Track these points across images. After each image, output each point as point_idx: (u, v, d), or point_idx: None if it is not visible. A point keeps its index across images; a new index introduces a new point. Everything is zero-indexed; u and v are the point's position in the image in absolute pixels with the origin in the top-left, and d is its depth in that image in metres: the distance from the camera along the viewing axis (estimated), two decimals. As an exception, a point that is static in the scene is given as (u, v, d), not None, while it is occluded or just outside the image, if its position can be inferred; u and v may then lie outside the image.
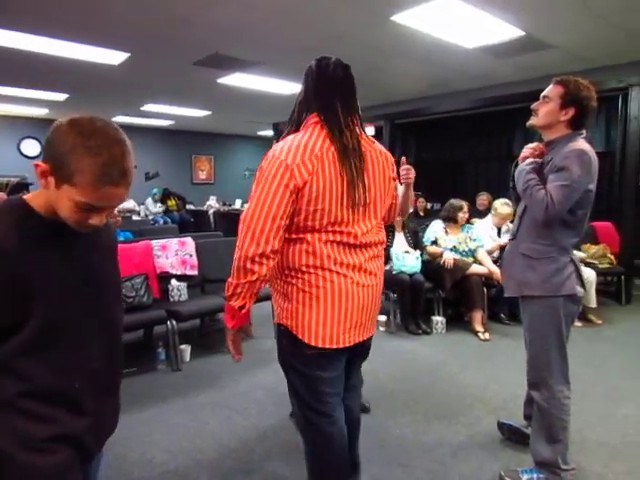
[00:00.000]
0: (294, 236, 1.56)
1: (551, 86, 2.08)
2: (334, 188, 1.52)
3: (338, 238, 1.56)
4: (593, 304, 4.76)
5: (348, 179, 1.53)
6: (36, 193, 1.07)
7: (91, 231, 1.08)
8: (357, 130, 1.63)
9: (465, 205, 4.76)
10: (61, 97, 8.02)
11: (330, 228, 1.55)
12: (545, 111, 2.06)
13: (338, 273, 1.57)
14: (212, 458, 2.43)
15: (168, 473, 2.31)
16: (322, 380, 1.67)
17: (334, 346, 1.60)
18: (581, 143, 1.98)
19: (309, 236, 1.55)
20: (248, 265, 1.47)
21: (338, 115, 1.58)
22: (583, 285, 2.11)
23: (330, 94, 1.60)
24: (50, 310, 1.03)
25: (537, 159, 2.11)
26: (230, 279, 1.53)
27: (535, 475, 2.16)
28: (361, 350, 1.80)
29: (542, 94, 2.09)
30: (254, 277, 1.48)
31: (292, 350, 1.67)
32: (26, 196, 1.06)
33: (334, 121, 1.57)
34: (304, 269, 1.57)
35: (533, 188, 2.00)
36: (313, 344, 1.59)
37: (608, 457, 2.45)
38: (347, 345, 1.64)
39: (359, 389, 2.07)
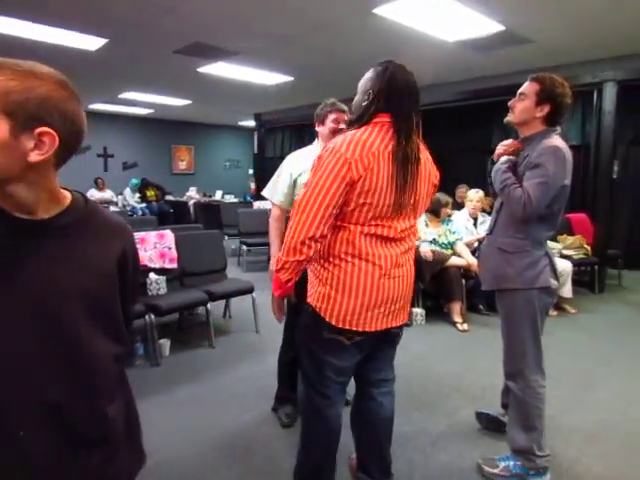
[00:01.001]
0: (338, 224, 1.67)
1: (527, 83, 2.11)
2: (385, 186, 1.61)
3: (378, 231, 1.67)
4: (569, 294, 4.86)
5: (401, 183, 1.64)
6: None
7: (72, 232, 0.93)
8: (418, 136, 1.72)
9: (450, 202, 4.83)
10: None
11: (373, 222, 1.65)
12: (521, 108, 2.09)
13: (374, 264, 1.67)
14: (193, 453, 2.43)
15: (145, 470, 2.27)
16: (331, 366, 1.78)
17: (360, 329, 1.70)
18: (555, 139, 2.02)
19: (352, 227, 1.66)
20: (298, 246, 1.59)
21: (410, 121, 1.67)
22: (557, 277, 2.16)
23: (404, 99, 1.67)
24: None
25: (511, 157, 2.14)
26: (280, 255, 1.66)
27: (511, 462, 2.21)
28: (387, 336, 1.83)
29: (518, 91, 2.12)
30: (302, 257, 1.61)
31: (313, 331, 1.77)
32: None
33: (405, 127, 1.65)
34: (342, 256, 1.68)
35: (510, 187, 2.04)
36: (340, 325, 1.69)
37: (582, 442, 2.52)
38: (374, 329, 1.72)
39: (391, 385, 2.01)
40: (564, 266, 4.66)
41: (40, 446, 0.85)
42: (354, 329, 1.70)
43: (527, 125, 2.10)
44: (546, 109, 2.04)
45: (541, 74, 2.09)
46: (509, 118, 2.15)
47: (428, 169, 1.78)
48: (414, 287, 1.88)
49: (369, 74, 1.74)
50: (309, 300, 1.77)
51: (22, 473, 0.85)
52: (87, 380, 0.94)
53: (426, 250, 4.53)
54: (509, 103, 2.15)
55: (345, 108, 2.50)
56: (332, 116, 2.49)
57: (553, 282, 2.13)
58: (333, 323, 1.70)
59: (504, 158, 2.16)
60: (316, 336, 1.76)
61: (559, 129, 2.11)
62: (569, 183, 2.05)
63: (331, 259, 1.70)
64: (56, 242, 0.91)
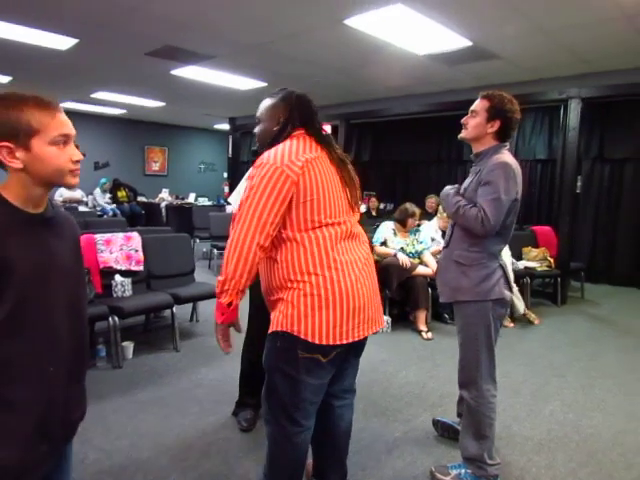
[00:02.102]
0: (298, 239, 1.63)
1: (478, 100, 2.18)
2: (326, 183, 1.65)
3: (337, 230, 1.67)
4: (535, 320, 5.09)
5: (346, 182, 1.74)
6: (3, 185, 1.11)
7: (55, 222, 1.20)
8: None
9: (418, 213, 4.88)
10: (4, 79, 7.68)
11: (330, 220, 1.65)
12: (473, 124, 2.16)
13: (343, 272, 1.65)
14: (147, 456, 2.41)
15: (101, 473, 2.27)
16: (309, 387, 1.71)
17: (344, 341, 1.66)
18: (505, 155, 2.09)
19: (306, 238, 1.63)
20: (238, 264, 1.56)
21: (321, 132, 1.80)
22: (510, 289, 2.22)
23: (314, 117, 1.80)
24: (23, 293, 1.07)
25: (456, 185, 2.28)
26: (220, 277, 1.60)
27: (462, 470, 2.26)
28: (358, 346, 1.83)
29: (470, 108, 2.20)
30: (243, 276, 1.57)
31: (286, 354, 1.69)
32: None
33: (322, 136, 1.78)
34: (311, 270, 1.63)
35: (464, 208, 2.10)
36: (318, 342, 1.62)
37: (532, 451, 2.58)
38: (355, 339, 1.69)
39: (352, 397, 2.01)
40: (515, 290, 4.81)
41: (60, 379, 1.17)
42: (338, 343, 1.64)
43: (479, 141, 2.17)
44: (496, 125, 2.11)
45: (491, 91, 2.16)
46: (462, 134, 2.23)
47: (353, 172, 1.86)
48: (381, 292, 1.91)
49: (270, 102, 1.83)
50: (277, 328, 1.67)
51: (49, 398, 1.15)
52: (84, 334, 1.28)
53: (404, 259, 4.60)
54: (462, 120, 2.22)
55: None
56: None
57: (507, 294, 2.20)
58: (310, 341, 1.62)
59: (449, 186, 2.29)
60: (291, 358, 1.68)
61: (508, 144, 2.19)
62: (519, 197, 2.12)
63: (299, 277, 1.64)
64: (49, 230, 1.17)
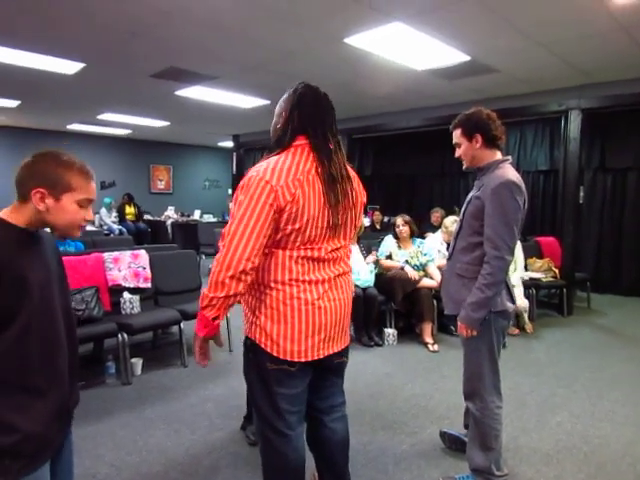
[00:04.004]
0: (266, 250, 1.61)
1: (453, 134, 2.28)
2: (312, 210, 1.59)
3: (308, 254, 1.64)
4: (529, 329, 5.11)
5: (332, 203, 1.62)
6: (9, 211, 1.28)
7: (44, 240, 1.36)
8: (342, 157, 1.72)
9: (399, 220, 4.93)
10: (13, 104, 7.83)
11: (302, 246, 1.63)
12: (463, 153, 2.25)
13: (305, 290, 1.64)
14: (157, 471, 2.44)
15: (111, 488, 2.31)
16: (284, 397, 1.71)
17: (302, 359, 1.66)
18: (507, 170, 2.13)
19: (280, 252, 1.62)
20: (227, 281, 1.51)
21: (326, 141, 1.67)
22: (513, 300, 2.25)
23: (315, 117, 1.67)
24: (35, 305, 1.25)
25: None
26: (206, 291, 1.56)
27: (470, 481, 2.27)
28: (330, 365, 1.81)
29: (453, 143, 2.29)
30: (231, 292, 1.53)
31: (257, 365, 1.71)
32: (7, 210, 1.28)
33: (323, 147, 1.65)
34: (272, 285, 1.63)
35: (482, 286, 2.08)
36: (282, 357, 1.64)
37: (540, 463, 2.58)
38: (315, 358, 1.69)
39: (342, 409, 1.96)
40: (521, 302, 4.81)
41: (65, 373, 1.36)
42: (296, 359, 1.65)
43: (477, 160, 2.23)
44: (479, 138, 2.18)
45: (456, 118, 2.28)
46: (465, 166, 2.31)
47: (355, 186, 1.76)
48: (352, 313, 1.85)
49: (283, 97, 1.75)
50: (246, 333, 1.72)
51: (61, 387, 1.35)
52: (75, 336, 1.45)
53: (412, 272, 4.64)
54: (456, 156, 2.32)
55: None
56: None
57: (509, 305, 2.22)
58: (274, 354, 1.64)
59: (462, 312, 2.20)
60: (262, 369, 1.69)
61: (510, 158, 2.24)
62: (524, 208, 2.15)
63: (262, 288, 1.65)
64: (42, 246, 1.35)
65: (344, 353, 1.85)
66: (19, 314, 1.22)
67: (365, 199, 1.86)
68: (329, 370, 1.84)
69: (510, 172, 2.12)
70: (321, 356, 1.70)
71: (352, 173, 1.79)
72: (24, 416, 1.23)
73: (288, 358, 1.65)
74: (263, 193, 1.53)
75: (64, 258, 1.52)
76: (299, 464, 1.80)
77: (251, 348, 1.70)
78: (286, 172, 1.58)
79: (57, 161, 1.29)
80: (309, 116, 1.67)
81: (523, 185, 2.11)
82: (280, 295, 1.63)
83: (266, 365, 1.67)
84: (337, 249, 1.73)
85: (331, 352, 1.74)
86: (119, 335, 3.57)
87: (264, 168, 1.59)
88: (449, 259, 2.35)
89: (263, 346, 1.66)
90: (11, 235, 1.25)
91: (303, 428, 1.84)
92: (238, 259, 1.51)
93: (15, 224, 1.26)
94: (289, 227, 1.58)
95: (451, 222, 5.15)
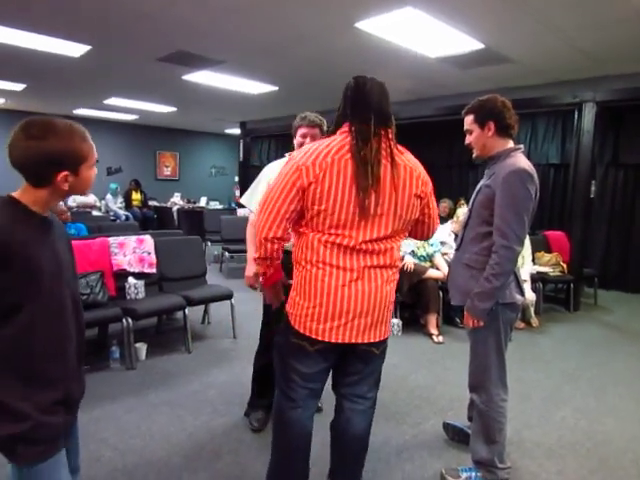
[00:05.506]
0: (301, 230, 1.73)
1: (465, 120, 2.23)
2: (340, 193, 1.63)
3: (338, 240, 1.67)
4: (534, 324, 5.09)
5: (362, 186, 1.62)
6: (22, 192, 1.26)
7: (54, 224, 1.35)
8: (385, 143, 1.71)
9: None
10: (18, 87, 7.81)
11: (332, 231, 1.67)
12: (474, 140, 2.20)
13: (330, 274, 1.68)
14: (160, 456, 2.44)
15: (116, 471, 2.31)
16: (295, 371, 1.80)
17: (320, 338, 1.71)
18: (519, 159, 2.08)
19: (311, 234, 1.70)
20: (262, 242, 1.70)
21: (369, 127, 1.67)
22: (522, 293, 2.21)
23: (365, 107, 1.70)
24: (49, 287, 1.26)
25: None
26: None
27: (473, 473, 2.26)
28: (356, 352, 1.82)
29: (464, 129, 2.24)
30: (265, 254, 1.72)
31: (283, 335, 1.83)
32: (15, 194, 1.25)
33: (363, 132, 1.67)
34: (303, 264, 1.73)
35: (494, 274, 2.03)
36: (302, 331, 1.73)
37: (543, 457, 2.57)
38: (334, 341, 1.71)
39: (367, 404, 1.94)
40: (529, 295, 4.79)
41: (74, 362, 1.37)
42: (313, 337, 1.72)
43: (489, 149, 2.19)
44: (492, 126, 2.14)
45: (469, 105, 2.22)
46: (475, 154, 2.25)
47: (403, 178, 1.71)
48: (390, 307, 1.82)
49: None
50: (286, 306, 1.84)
51: (70, 377, 1.36)
52: (82, 322, 1.43)
53: (409, 262, 4.60)
54: (465, 143, 2.26)
55: (318, 122, 2.55)
56: (300, 131, 2.55)
57: (518, 297, 2.19)
58: (297, 328, 1.74)
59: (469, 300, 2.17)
60: (285, 340, 1.82)
61: (522, 147, 2.19)
62: (536, 198, 2.10)
63: (297, 265, 1.76)
64: (53, 230, 1.33)
65: (375, 345, 1.82)
66: (28, 301, 1.21)
67: (417, 191, 1.76)
68: (355, 357, 1.85)
69: (522, 160, 2.07)
70: (342, 341, 1.72)
71: (402, 162, 1.74)
72: (35, 404, 1.23)
73: (307, 333, 1.73)
74: (289, 172, 1.66)
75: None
76: (304, 432, 1.88)
77: (285, 317, 1.82)
78: (316, 154, 1.65)
79: (63, 136, 1.24)
80: (353, 103, 1.73)
81: (535, 174, 2.07)
82: (307, 275, 1.72)
83: (289, 337, 1.79)
84: (375, 240, 1.70)
85: (354, 341, 1.74)
86: (124, 320, 3.57)
87: (301, 150, 1.73)
88: (457, 249, 2.32)
89: (291, 319, 1.77)
90: (30, 221, 1.24)
91: (314, 404, 1.90)
92: (262, 226, 1.68)
93: (35, 210, 1.26)
94: (315, 207, 1.65)
95: (462, 213, 5.12)
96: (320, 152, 1.65)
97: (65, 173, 1.24)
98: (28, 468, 1.25)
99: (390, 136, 1.73)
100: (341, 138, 1.69)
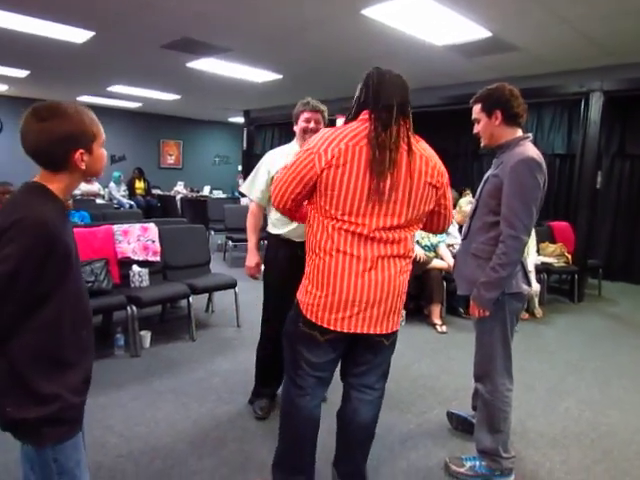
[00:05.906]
0: (315, 215, 1.74)
1: (473, 109, 2.21)
2: (353, 179, 1.63)
3: (352, 228, 1.67)
4: (538, 314, 5.09)
5: (377, 171, 1.61)
6: (48, 178, 1.27)
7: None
8: (404, 132, 1.69)
9: None
10: (22, 74, 7.78)
11: (346, 218, 1.66)
12: (482, 129, 2.18)
13: (344, 262, 1.68)
14: (165, 443, 2.45)
15: (121, 457, 2.32)
16: (304, 359, 1.82)
17: (331, 327, 1.71)
18: (528, 148, 2.06)
19: (325, 220, 1.70)
20: (279, 209, 1.84)
21: (391, 114, 1.66)
22: (529, 283, 2.20)
23: (389, 95, 1.69)
24: (75, 271, 1.31)
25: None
26: None
27: (477, 462, 2.26)
28: (366, 341, 1.81)
29: (472, 118, 2.22)
30: (285, 213, 1.87)
31: (294, 323, 1.84)
32: (42, 181, 1.27)
33: (384, 119, 1.66)
34: (317, 251, 1.73)
35: (501, 265, 2.02)
36: (313, 320, 1.73)
37: (547, 447, 2.58)
38: (345, 331, 1.71)
39: (374, 394, 1.94)
40: (534, 286, 4.77)
41: (92, 344, 1.40)
42: (324, 326, 1.72)
43: (496, 138, 2.16)
44: (499, 114, 2.11)
45: (476, 94, 2.20)
46: (483, 143, 2.23)
47: (418, 167, 1.69)
48: (402, 297, 1.81)
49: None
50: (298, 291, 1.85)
51: (88, 360, 1.39)
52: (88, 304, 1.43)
53: (420, 252, 4.60)
54: (474, 132, 2.24)
55: (322, 108, 2.54)
56: (303, 115, 2.56)
57: (525, 287, 2.18)
58: (308, 317, 1.74)
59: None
60: (295, 328, 1.82)
61: (531, 136, 2.16)
62: (544, 188, 2.08)
63: (311, 253, 1.77)
64: (70, 219, 1.40)
65: (386, 336, 1.81)
66: (59, 287, 1.24)
67: (433, 180, 1.73)
68: (365, 347, 1.85)
69: (531, 149, 2.05)
70: (353, 331, 1.72)
71: (418, 151, 1.71)
72: (65, 385, 1.26)
73: (318, 323, 1.73)
74: (303, 155, 1.70)
75: (74, 230, 1.49)
76: (311, 419, 1.90)
77: (295, 307, 1.83)
78: (329, 141, 1.66)
79: (72, 115, 1.27)
80: (376, 91, 1.70)
81: (544, 163, 2.05)
82: (321, 264, 1.72)
83: (299, 325, 1.79)
84: (389, 229, 1.69)
85: (365, 331, 1.73)
86: (128, 308, 3.58)
87: (316, 136, 1.74)
88: (464, 239, 2.30)
89: (301, 307, 1.77)
90: (60, 208, 1.27)
91: (322, 392, 1.92)
92: (274, 197, 1.79)
93: (61, 197, 1.28)
94: (329, 192, 1.66)
95: (466, 203, 5.09)
96: (334, 138, 1.65)
97: (81, 151, 1.26)
98: (51, 448, 1.26)
99: (408, 126, 1.72)
100: (358, 125, 1.69)
